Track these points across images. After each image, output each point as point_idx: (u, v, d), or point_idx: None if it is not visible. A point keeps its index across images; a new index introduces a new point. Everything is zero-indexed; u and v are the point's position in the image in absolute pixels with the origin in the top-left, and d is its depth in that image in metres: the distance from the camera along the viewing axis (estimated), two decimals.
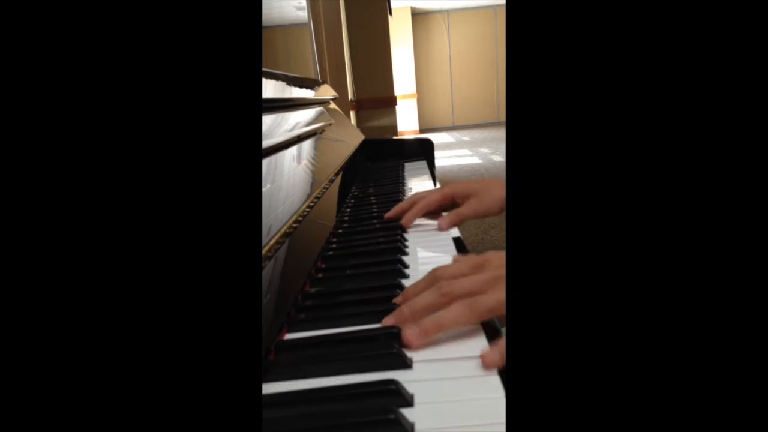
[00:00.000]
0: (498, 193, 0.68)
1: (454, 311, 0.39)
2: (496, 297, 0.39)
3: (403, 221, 0.70)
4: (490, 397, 0.32)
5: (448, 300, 0.40)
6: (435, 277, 0.43)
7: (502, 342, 0.36)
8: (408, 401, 0.32)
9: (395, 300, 0.44)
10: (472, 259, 0.43)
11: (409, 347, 0.38)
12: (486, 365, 0.35)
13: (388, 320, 0.41)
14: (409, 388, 0.33)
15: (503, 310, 0.38)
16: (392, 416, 0.29)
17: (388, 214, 0.72)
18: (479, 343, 0.38)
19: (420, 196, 0.71)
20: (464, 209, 0.67)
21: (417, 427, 0.30)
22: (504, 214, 0.49)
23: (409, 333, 0.38)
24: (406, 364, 0.36)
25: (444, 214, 0.70)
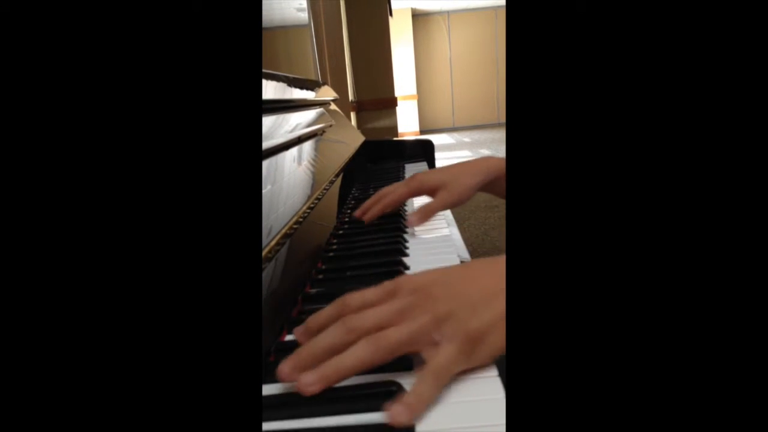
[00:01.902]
0: (466, 181, 0.65)
1: (357, 351, 0.33)
2: (406, 330, 0.33)
3: (366, 218, 0.68)
4: (490, 398, 0.32)
5: (353, 336, 0.34)
6: (342, 305, 0.37)
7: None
8: None
9: (295, 333, 0.38)
10: (384, 285, 0.37)
11: (304, 393, 0.32)
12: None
13: (283, 367, 0.34)
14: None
15: (413, 345, 0.34)
16: None
17: (356, 213, 0.71)
18: None
19: (386, 192, 0.69)
20: (435, 203, 0.65)
21: (418, 428, 0.30)
22: (503, 215, 0.49)
23: (304, 380, 0.32)
24: (407, 365, 0.36)
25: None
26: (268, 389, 0.35)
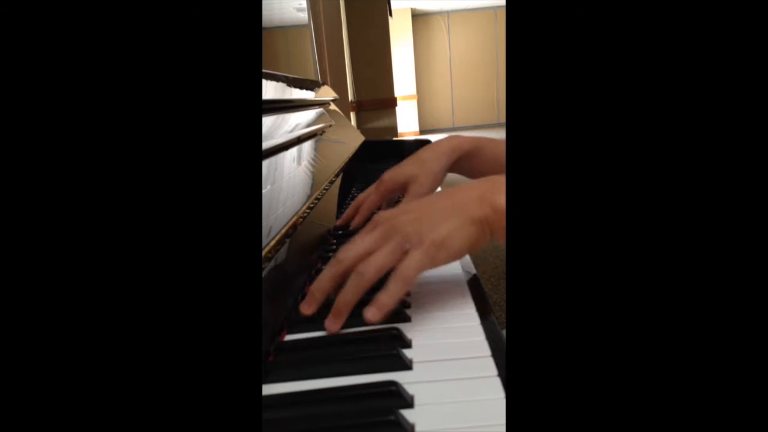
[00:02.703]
0: (433, 167, 0.66)
1: (351, 284, 0.42)
2: (381, 254, 0.43)
3: (352, 226, 0.69)
4: (490, 398, 0.32)
5: (345, 267, 0.43)
6: (340, 262, 0.45)
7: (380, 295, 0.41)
8: (408, 402, 0.32)
9: (302, 308, 0.45)
10: (366, 226, 0.47)
11: (331, 331, 0.42)
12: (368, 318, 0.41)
13: (305, 308, 0.44)
14: (409, 389, 0.33)
15: (391, 263, 0.42)
16: (392, 417, 0.29)
17: (339, 221, 0.72)
18: (480, 344, 0.38)
19: (362, 199, 0.70)
20: (409, 199, 0.65)
21: (417, 428, 0.30)
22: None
23: (327, 323, 0.42)
24: (406, 365, 0.36)
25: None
26: (268, 389, 0.35)
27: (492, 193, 0.45)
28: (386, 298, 0.41)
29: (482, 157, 0.69)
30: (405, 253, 0.42)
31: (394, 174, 0.67)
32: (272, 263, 0.44)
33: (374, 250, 0.43)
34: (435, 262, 0.43)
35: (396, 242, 0.43)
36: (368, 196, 0.69)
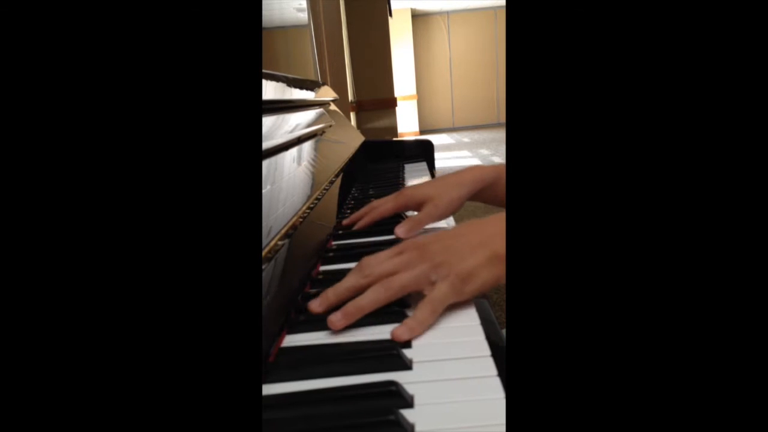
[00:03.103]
0: (452, 194, 0.68)
1: (372, 292, 0.43)
2: (409, 275, 0.44)
3: (356, 227, 0.71)
4: (490, 398, 0.32)
5: (368, 281, 0.44)
6: (360, 265, 0.47)
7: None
8: (408, 402, 0.32)
9: (311, 305, 0.46)
10: (394, 248, 0.48)
11: (333, 328, 0.42)
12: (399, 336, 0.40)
13: (315, 306, 0.45)
14: (409, 389, 0.33)
15: (416, 287, 0.44)
16: (392, 417, 0.29)
17: (345, 221, 0.73)
18: (480, 344, 0.38)
19: (375, 205, 0.72)
20: (422, 216, 0.68)
21: (417, 428, 0.30)
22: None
23: (332, 318, 0.42)
24: (405, 365, 0.36)
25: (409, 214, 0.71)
26: (268, 389, 0.35)
27: None
28: (415, 324, 0.41)
29: (504, 185, 0.71)
30: (430, 281, 0.44)
31: (414, 190, 0.70)
32: (272, 263, 0.44)
33: (401, 271, 0.45)
34: (460, 295, 0.44)
35: (424, 268, 0.44)
36: (385, 203, 0.71)
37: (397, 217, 0.72)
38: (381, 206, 0.71)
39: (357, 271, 0.46)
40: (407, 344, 0.39)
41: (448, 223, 0.71)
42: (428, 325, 0.42)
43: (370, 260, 0.47)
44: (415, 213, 0.68)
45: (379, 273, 0.45)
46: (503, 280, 0.46)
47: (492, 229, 0.48)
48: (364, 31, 3.10)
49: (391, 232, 0.66)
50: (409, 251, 0.47)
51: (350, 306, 0.43)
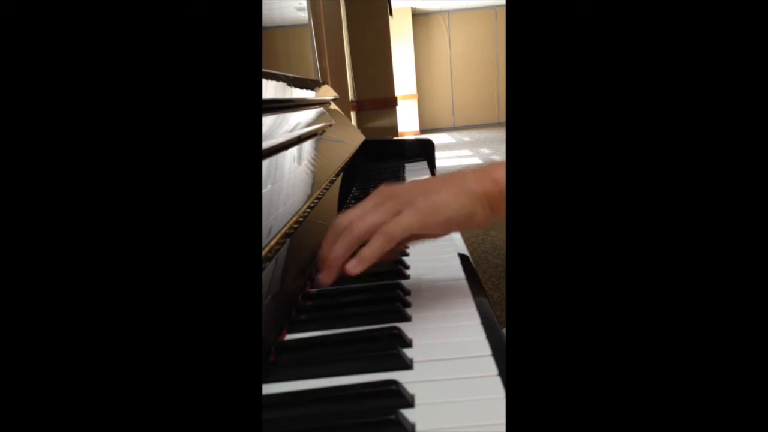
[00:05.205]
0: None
1: (374, 243, 0.44)
2: (378, 213, 0.45)
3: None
4: (490, 397, 0.32)
5: (359, 240, 0.45)
6: (337, 225, 0.47)
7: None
8: (408, 402, 0.32)
9: (318, 280, 0.47)
10: (363, 204, 0.48)
11: (321, 284, 0.46)
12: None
13: (325, 277, 0.46)
14: (410, 388, 0.33)
15: (416, 228, 0.44)
16: (393, 417, 0.29)
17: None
18: (480, 344, 0.38)
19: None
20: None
21: (417, 427, 0.30)
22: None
23: (320, 277, 0.45)
24: (406, 364, 0.36)
25: None
26: (268, 389, 0.35)
27: (491, 170, 0.47)
28: (368, 252, 0.43)
29: None
30: (397, 213, 0.45)
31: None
32: (272, 263, 0.44)
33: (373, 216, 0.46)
34: (425, 225, 0.44)
35: (390, 204, 0.45)
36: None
37: None
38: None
39: (336, 226, 0.46)
40: (408, 344, 0.39)
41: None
42: (379, 254, 0.43)
43: (343, 219, 0.47)
44: None
45: (369, 229, 0.45)
46: (480, 220, 0.46)
47: (462, 173, 0.48)
48: (365, 30, 3.09)
49: None
50: (377, 196, 0.48)
51: (328, 259, 0.45)
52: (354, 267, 0.43)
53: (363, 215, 0.46)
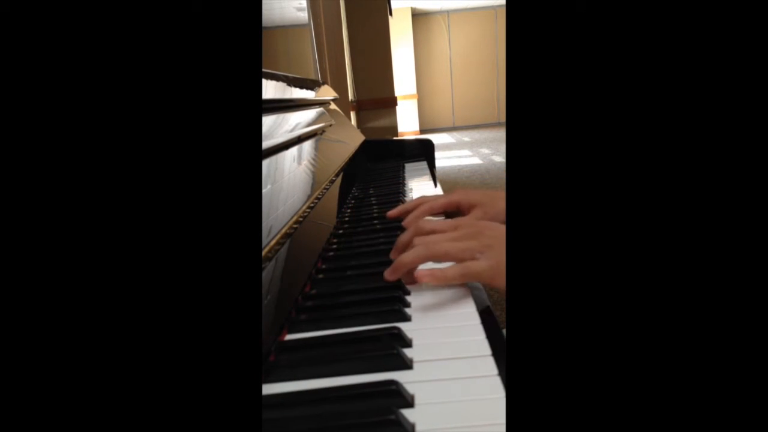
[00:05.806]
0: (502, 205, 0.69)
1: (449, 271, 0.47)
2: (456, 246, 0.49)
3: (405, 222, 0.70)
4: (490, 397, 0.32)
5: (431, 254, 0.49)
6: (421, 230, 0.53)
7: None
8: (408, 402, 0.32)
9: (386, 274, 0.51)
10: (454, 223, 0.53)
11: (385, 278, 0.49)
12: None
13: (390, 275, 0.50)
14: (410, 388, 0.33)
15: (485, 280, 0.47)
16: (393, 417, 0.29)
17: (391, 213, 0.72)
18: (480, 344, 0.38)
19: (425, 199, 0.72)
20: (468, 219, 0.68)
21: (417, 427, 0.30)
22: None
23: (387, 273, 0.49)
24: (406, 364, 0.36)
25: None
26: (268, 389, 0.35)
27: None
28: (441, 275, 0.46)
29: None
30: (474, 258, 0.48)
31: (467, 194, 0.72)
32: (272, 263, 0.44)
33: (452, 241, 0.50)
34: (491, 282, 0.47)
35: (474, 245, 0.48)
36: (435, 199, 0.72)
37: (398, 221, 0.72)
38: (431, 201, 0.71)
39: (422, 241, 0.50)
40: (408, 344, 0.39)
41: None
42: (448, 282, 0.47)
43: (426, 225, 0.52)
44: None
45: (439, 250, 0.49)
46: None
47: None
48: (364, 30, 3.09)
49: (391, 229, 0.66)
50: (466, 228, 0.51)
51: (398, 263, 0.49)
52: (424, 277, 0.47)
53: (448, 238, 0.50)
